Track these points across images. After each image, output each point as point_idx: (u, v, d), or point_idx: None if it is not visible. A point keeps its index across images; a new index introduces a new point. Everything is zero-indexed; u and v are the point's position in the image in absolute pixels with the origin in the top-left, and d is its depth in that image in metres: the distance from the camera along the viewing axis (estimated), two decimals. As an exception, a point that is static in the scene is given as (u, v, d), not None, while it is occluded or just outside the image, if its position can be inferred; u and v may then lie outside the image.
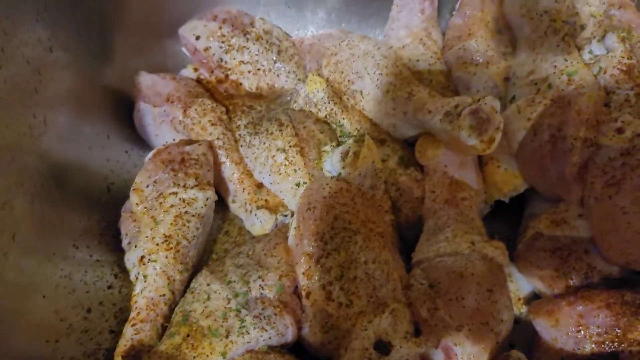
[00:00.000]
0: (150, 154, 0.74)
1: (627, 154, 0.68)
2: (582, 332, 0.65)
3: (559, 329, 0.67)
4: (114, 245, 0.72)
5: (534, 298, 0.75)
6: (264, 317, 0.64)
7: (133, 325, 0.65)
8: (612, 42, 0.75)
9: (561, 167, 0.72)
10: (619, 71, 0.73)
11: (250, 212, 0.76)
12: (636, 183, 0.66)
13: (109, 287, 0.70)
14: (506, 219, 0.81)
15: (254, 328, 0.63)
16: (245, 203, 0.77)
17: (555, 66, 0.75)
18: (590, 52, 0.76)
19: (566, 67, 0.74)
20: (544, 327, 0.68)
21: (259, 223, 0.76)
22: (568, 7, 0.81)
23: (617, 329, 0.64)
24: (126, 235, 0.71)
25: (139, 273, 0.68)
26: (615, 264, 0.70)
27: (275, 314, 0.65)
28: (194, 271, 0.72)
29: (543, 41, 0.78)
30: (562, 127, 0.71)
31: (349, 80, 0.81)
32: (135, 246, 0.69)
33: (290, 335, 0.65)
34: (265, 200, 0.77)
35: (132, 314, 0.66)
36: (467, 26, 0.83)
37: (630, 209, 0.66)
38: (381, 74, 0.79)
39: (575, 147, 0.70)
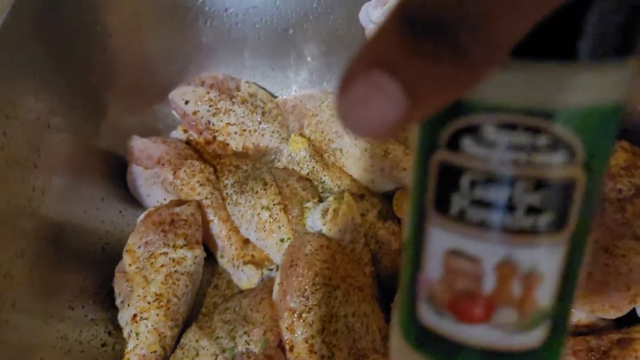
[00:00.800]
0: (142, 216, 0.79)
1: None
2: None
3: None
4: (108, 303, 0.76)
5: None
6: (250, 371, 0.68)
7: (126, 382, 0.69)
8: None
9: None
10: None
11: (238, 267, 0.81)
12: (594, 237, 0.71)
13: (103, 345, 0.74)
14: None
15: (240, 383, 0.67)
16: (233, 258, 0.81)
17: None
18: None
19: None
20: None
21: (246, 278, 0.80)
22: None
23: (583, 376, 0.68)
24: (119, 294, 0.76)
25: (131, 331, 0.72)
26: (580, 311, 0.75)
27: (261, 368, 0.69)
28: (185, 326, 0.76)
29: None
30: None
31: (329, 139, 0.86)
32: (128, 305, 0.74)
33: (274, 388, 0.69)
34: (252, 255, 0.81)
35: (125, 371, 0.70)
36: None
37: (591, 260, 0.71)
38: (359, 133, 0.84)
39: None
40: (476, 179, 0.24)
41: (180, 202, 0.81)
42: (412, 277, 0.29)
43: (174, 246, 0.76)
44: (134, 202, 0.86)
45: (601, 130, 0.24)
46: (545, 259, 0.25)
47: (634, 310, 0.74)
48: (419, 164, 0.27)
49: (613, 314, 0.73)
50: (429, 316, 0.28)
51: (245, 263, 0.80)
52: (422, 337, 0.29)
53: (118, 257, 0.78)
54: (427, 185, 0.26)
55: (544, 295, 0.26)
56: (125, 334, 0.73)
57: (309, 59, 0.95)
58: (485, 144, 0.24)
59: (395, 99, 0.20)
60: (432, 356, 0.29)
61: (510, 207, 0.24)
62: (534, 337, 0.27)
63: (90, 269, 0.76)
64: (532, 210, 0.24)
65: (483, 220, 0.25)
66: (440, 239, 0.27)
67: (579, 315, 0.74)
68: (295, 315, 0.71)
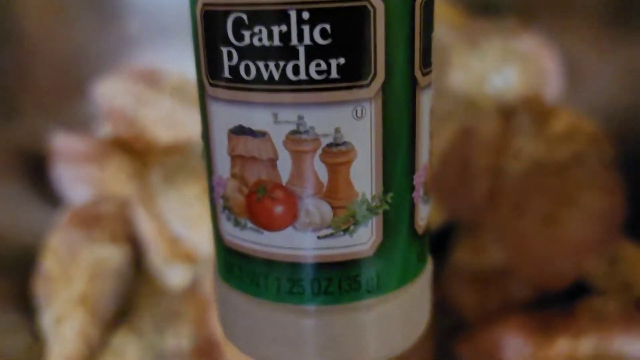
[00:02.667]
0: (65, 213, 0.75)
1: (526, 178, 0.70)
2: (499, 356, 0.66)
3: (478, 355, 0.68)
4: (31, 307, 0.71)
5: (461, 328, 0.76)
6: (180, 368, 0.64)
7: (47, 389, 0.64)
8: (510, 72, 0.79)
9: (470, 195, 0.74)
10: (518, 100, 0.77)
11: (168, 264, 0.76)
12: (535, 205, 0.69)
13: (25, 352, 0.69)
14: (433, 253, 0.83)
15: (169, 381, 0.63)
16: (163, 256, 0.77)
17: (456, 98, 0.78)
18: (491, 83, 0.80)
19: (467, 98, 0.78)
20: (465, 355, 0.69)
21: (177, 275, 0.76)
22: (468, 41, 0.85)
23: (528, 349, 0.65)
24: (41, 296, 0.71)
25: (55, 333, 0.68)
26: (527, 285, 0.72)
27: (192, 365, 0.65)
28: (113, 327, 0.71)
29: (446, 75, 0.81)
30: (467, 156, 0.74)
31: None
32: (51, 306, 0.69)
33: (207, 385, 0.65)
34: (183, 252, 0.77)
35: (48, 377, 0.65)
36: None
37: (533, 231, 0.69)
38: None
39: (480, 174, 0.73)
40: (245, 19, 0.20)
41: (106, 198, 0.77)
42: (209, 189, 0.25)
43: (98, 242, 0.72)
44: (58, 200, 0.81)
45: None
46: (352, 122, 0.20)
47: (578, 281, 0.72)
48: (192, 25, 0.22)
49: (559, 285, 0.71)
50: (230, 230, 0.24)
51: (175, 260, 0.76)
52: (229, 261, 0.25)
53: (38, 260, 0.73)
54: (199, 47, 0.22)
55: (362, 177, 0.21)
56: (49, 338, 0.68)
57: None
58: None
59: None
60: (239, 283, 0.25)
61: (290, 52, 0.19)
62: (360, 240, 0.22)
63: (6, 271, 0.71)
64: (319, 52, 0.19)
65: (260, 76, 0.20)
66: (221, 116, 0.22)
67: (527, 291, 0.72)
68: (228, 307, 0.67)
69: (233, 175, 0.22)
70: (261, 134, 0.21)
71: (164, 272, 0.77)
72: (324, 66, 0.19)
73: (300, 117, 0.20)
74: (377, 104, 0.20)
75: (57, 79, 0.85)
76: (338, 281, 0.22)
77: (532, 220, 0.69)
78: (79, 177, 0.79)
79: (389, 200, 0.22)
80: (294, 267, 0.22)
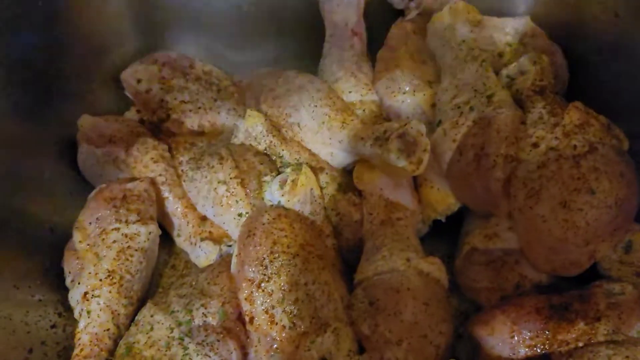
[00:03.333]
0: (93, 193, 0.76)
1: (542, 166, 0.72)
2: (516, 337, 0.68)
3: (495, 337, 0.69)
4: (58, 284, 0.73)
5: (476, 311, 0.78)
6: (207, 343, 0.65)
7: (76, 361, 0.65)
8: (525, 66, 0.81)
9: (486, 183, 0.76)
10: (532, 92, 0.79)
11: (195, 244, 0.78)
12: (552, 193, 0.71)
13: (53, 327, 0.70)
14: (447, 238, 0.85)
15: (197, 355, 0.64)
16: (190, 236, 0.79)
17: (475, 90, 0.81)
18: (507, 75, 0.83)
19: (485, 90, 0.80)
20: (481, 337, 0.71)
21: (204, 254, 0.77)
22: (485, 37, 0.88)
23: (546, 332, 0.67)
24: (69, 273, 0.72)
25: (82, 309, 0.69)
26: (542, 271, 0.74)
27: (219, 340, 0.66)
28: (140, 305, 0.72)
29: (463, 67, 0.83)
30: (484, 145, 0.76)
31: (286, 114, 0.85)
32: (79, 283, 0.70)
33: (234, 360, 0.67)
34: (209, 232, 0.79)
35: (76, 351, 0.66)
36: (394, 58, 0.89)
37: (549, 217, 0.71)
38: (316, 106, 0.83)
39: (498, 163, 0.75)
40: None
41: (133, 179, 0.79)
42: None
43: (126, 222, 0.73)
44: (85, 182, 0.83)
45: None
46: None
47: (593, 267, 0.74)
48: None
49: (574, 271, 0.73)
50: None
51: (202, 240, 0.78)
52: None
53: (68, 238, 0.75)
54: None
55: None
56: (76, 314, 0.70)
57: (264, 40, 0.94)
58: None
59: None
60: None
61: None
62: None
63: (37, 249, 0.73)
64: None
65: None
66: None
67: (542, 276, 0.74)
68: (254, 285, 0.69)
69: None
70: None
71: (190, 251, 0.78)
72: None
73: None
74: None
75: (87, 66, 0.86)
76: None
77: (548, 207, 0.71)
78: (105, 159, 0.81)
79: None
80: None
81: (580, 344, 0.65)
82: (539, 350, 0.67)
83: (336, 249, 0.79)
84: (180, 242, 0.80)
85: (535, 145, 0.74)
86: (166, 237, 0.80)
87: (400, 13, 0.97)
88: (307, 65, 0.93)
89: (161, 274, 0.80)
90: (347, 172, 0.85)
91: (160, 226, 0.78)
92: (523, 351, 0.68)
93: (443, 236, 0.85)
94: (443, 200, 0.81)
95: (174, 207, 0.79)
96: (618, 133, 0.75)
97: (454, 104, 0.81)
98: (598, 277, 0.73)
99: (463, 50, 0.85)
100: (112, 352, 0.67)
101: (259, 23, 0.94)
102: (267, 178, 0.79)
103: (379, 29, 0.93)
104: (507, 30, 0.89)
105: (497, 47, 0.88)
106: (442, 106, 0.83)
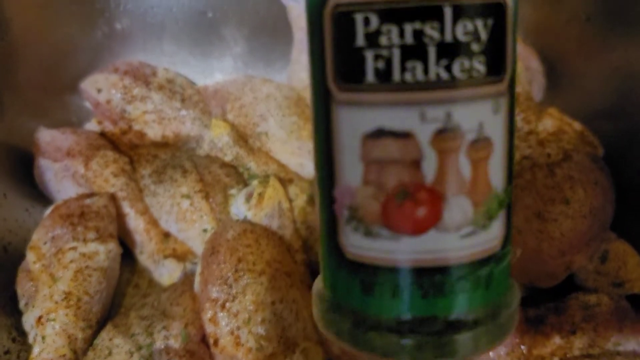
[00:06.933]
0: (49, 210, 0.73)
1: (517, 176, 0.70)
2: (490, 353, 0.66)
3: (470, 353, 0.67)
4: (11, 307, 0.69)
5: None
6: (169, 368, 0.62)
7: (30, 390, 0.61)
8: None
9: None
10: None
11: (158, 262, 0.75)
12: (526, 202, 0.68)
13: (6, 353, 0.66)
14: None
15: (158, 381, 0.61)
16: (153, 253, 0.75)
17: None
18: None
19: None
20: (457, 353, 0.69)
21: (167, 273, 0.74)
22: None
23: (521, 346, 0.65)
24: (23, 295, 0.68)
25: (37, 334, 0.65)
26: (517, 282, 0.72)
27: (181, 365, 0.63)
28: (100, 327, 0.69)
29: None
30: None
31: (253, 123, 0.82)
32: (33, 306, 0.67)
33: (197, 385, 0.63)
34: (173, 249, 0.75)
35: (29, 379, 0.63)
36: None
37: (523, 228, 0.68)
38: (284, 115, 0.81)
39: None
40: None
41: (91, 195, 0.75)
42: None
43: (84, 240, 0.70)
44: (42, 198, 0.79)
45: None
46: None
47: (570, 277, 0.72)
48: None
49: (550, 282, 0.71)
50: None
51: (165, 257, 0.74)
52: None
53: (22, 258, 0.71)
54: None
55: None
56: (30, 339, 0.66)
57: (231, 44, 0.91)
58: None
59: None
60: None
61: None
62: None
63: (-11, 271, 0.69)
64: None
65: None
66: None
67: (517, 288, 0.72)
68: (218, 305, 0.66)
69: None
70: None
71: (153, 269, 0.75)
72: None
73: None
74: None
75: (44, 75, 0.83)
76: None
77: (522, 218, 0.69)
78: (63, 174, 0.77)
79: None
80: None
81: (556, 359, 0.64)
82: (515, 367, 0.65)
83: (306, 264, 0.76)
84: (143, 259, 0.76)
85: (509, 153, 0.72)
86: (129, 255, 0.76)
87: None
88: (278, 71, 0.90)
89: (124, 293, 0.76)
90: (317, 182, 0.82)
91: (123, 243, 0.75)
92: (499, 367, 0.66)
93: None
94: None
95: (135, 223, 0.76)
96: (592, 140, 0.74)
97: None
98: (574, 288, 0.71)
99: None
100: (68, 380, 0.63)
101: (225, 29, 0.91)
102: (234, 191, 0.76)
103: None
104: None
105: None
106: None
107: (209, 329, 0.65)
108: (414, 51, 0.18)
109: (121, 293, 0.76)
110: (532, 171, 0.70)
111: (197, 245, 0.74)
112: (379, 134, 0.20)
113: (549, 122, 0.73)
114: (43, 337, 0.65)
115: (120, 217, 0.76)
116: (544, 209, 0.68)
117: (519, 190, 0.69)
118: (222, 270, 0.67)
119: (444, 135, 0.19)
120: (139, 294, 0.76)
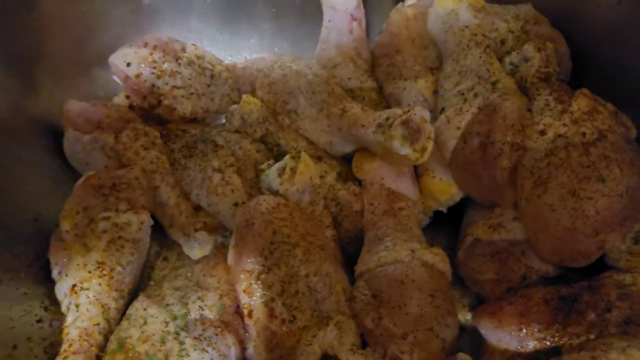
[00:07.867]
0: (80, 180, 0.72)
1: (550, 154, 0.70)
2: (524, 330, 0.66)
3: (502, 329, 0.67)
4: (44, 276, 0.69)
5: (479, 304, 0.76)
6: (205, 338, 0.62)
7: (65, 358, 0.61)
8: (529, 52, 0.79)
9: (492, 172, 0.74)
10: (537, 79, 0.77)
11: (189, 235, 0.74)
12: (560, 181, 0.69)
13: (38, 321, 0.66)
14: (447, 229, 0.83)
15: (194, 350, 0.61)
16: (183, 227, 0.75)
17: (479, 76, 0.78)
18: (511, 62, 0.80)
19: (489, 76, 0.78)
20: (488, 329, 0.69)
21: (198, 246, 0.74)
22: (487, 23, 0.86)
23: (556, 324, 0.65)
24: (56, 264, 0.68)
25: (70, 303, 0.65)
26: (549, 262, 0.72)
27: (217, 335, 0.63)
28: (131, 298, 0.69)
29: (466, 54, 0.81)
30: (490, 133, 0.74)
31: (283, 101, 0.82)
32: (66, 275, 0.66)
33: (233, 355, 0.63)
34: (204, 222, 0.75)
35: (64, 347, 0.62)
36: (394, 44, 0.86)
37: (558, 206, 0.69)
38: (314, 93, 0.80)
39: (504, 151, 0.72)
40: None
41: (122, 167, 0.74)
42: None
43: (116, 210, 0.70)
44: (71, 170, 0.78)
45: None
46: None
47: (601, 259, 0.72)
48: None
49: (582, 261, 0.71)
50: None
51: (196, 230, 0.74)
52: None
53: (53, 229, 0.71)
54: None
55: None
56: (63, 308, 0.66)
57: (258, 22, 0.91)
58: None
59: None
60: None
61: None
62: None
63: (20, 240, 0.69)
64: None
65: None
66: None
67: (549, 267, 0.72)
68: (253, 276, 0.66)
69: None
70: None
71: (183, 242, 0.75)
72: None
73: None
74: None
75: (71, 49, 0.82)
76: None
77: (557, 196, 0.69)
78: (92, 146, 0.77)
79: None
80: None
81: (592, 336, 0.63)
82: (548, 343, 0.65)
83: (336, 240, 0.76)
84: (173, 232, 0.76)
85: (543, 132, 0.72)
86: (156, 229, 0.76)
87: (401, -2, 0.95)
88: (304, 50, 0.90)
89: (152, 266, 0.76)
90: (346, 161, 0.82)
91: (152, 217, 0.74)
92: (532, 344, 0.65)
93: (442, 227, 0.83)
94: (446, 190, 0.79)
95: (166, 196, 0.75)
96: (626, 121, 0.74)
97: (457, 91, 0.79)
98: (604, 269, 0.71)
99: (465, 36, 0.82)
100: (102, 348, 0.63)
101: (253, 7, 0.90)
102: (264, 166, 0.76)
103: (379, 14, 0.91)
104: (509, 17, 0.87)
105: (499, 34, 0.85)
106: (445, 93, 0.81)
107: (244, 300, 0.65)
108: None
109: (150, 266, 0.76)
110: (567, 150, 0.69)
111: (228, 218, 0.74)
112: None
113: (583, 102, 0.72)
114: (77, 306, 0.65)
115: (150, 190, 0.75)
116: (579, 187, 0.68)
117: (554, 168, 0.69)
118: (257, 242, 0.67)
119: None
120: (168, 267, 0.76)
